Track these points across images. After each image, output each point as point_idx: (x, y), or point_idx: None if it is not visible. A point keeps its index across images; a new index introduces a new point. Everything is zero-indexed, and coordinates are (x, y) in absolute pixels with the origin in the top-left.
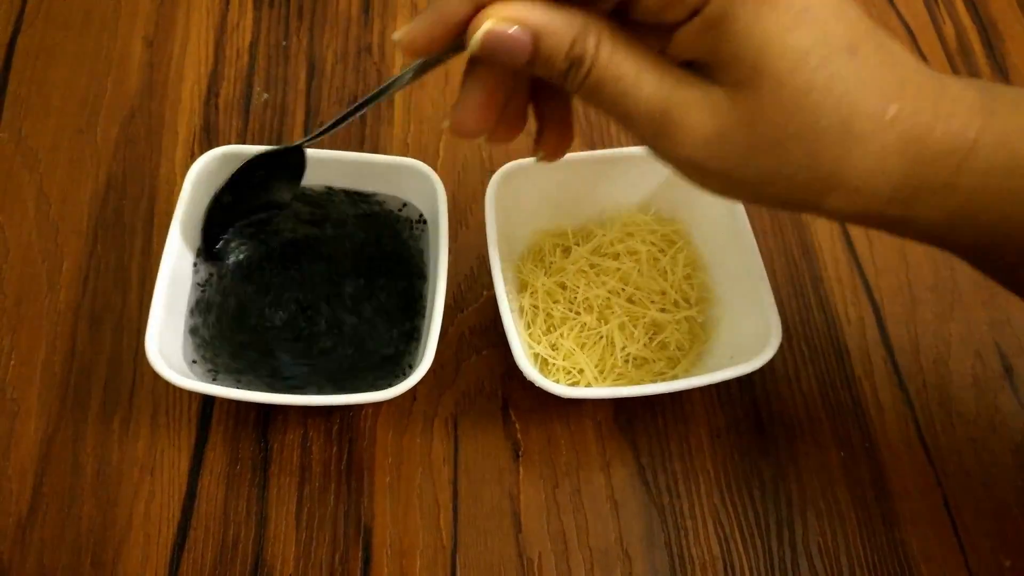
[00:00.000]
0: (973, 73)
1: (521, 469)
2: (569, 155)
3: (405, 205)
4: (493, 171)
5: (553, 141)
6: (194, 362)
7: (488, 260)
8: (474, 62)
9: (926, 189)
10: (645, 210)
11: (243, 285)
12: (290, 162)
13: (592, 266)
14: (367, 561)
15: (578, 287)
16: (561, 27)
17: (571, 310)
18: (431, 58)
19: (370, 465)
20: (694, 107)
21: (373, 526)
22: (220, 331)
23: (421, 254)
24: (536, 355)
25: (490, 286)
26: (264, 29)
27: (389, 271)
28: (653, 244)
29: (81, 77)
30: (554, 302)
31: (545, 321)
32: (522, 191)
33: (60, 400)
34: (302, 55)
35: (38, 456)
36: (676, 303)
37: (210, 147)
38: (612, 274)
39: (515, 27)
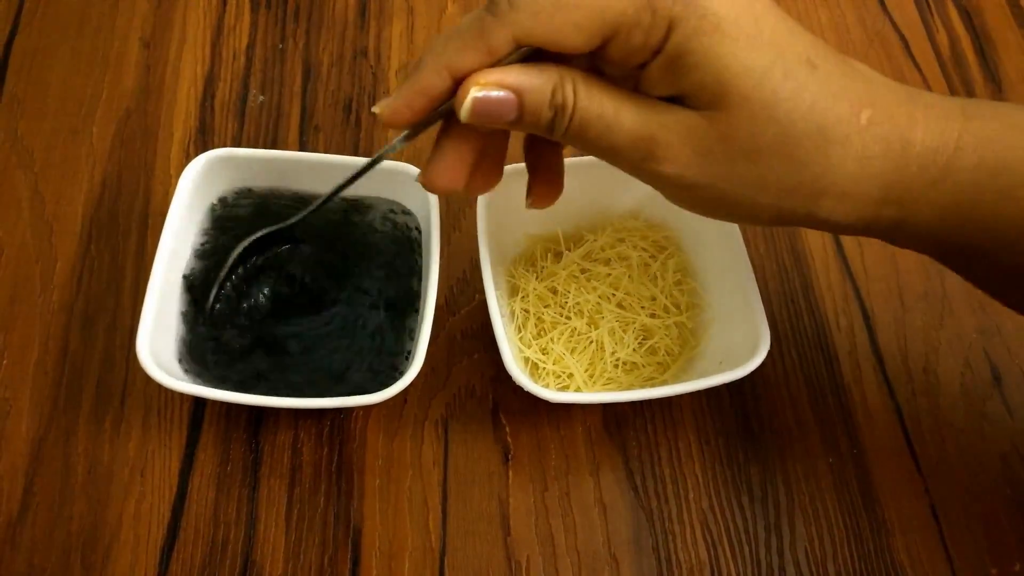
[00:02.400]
0: (966, 81)
1: (510, 472)
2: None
3: (399, 209)
4: None
5: (542, 190)
6: (185, 370)
7: (480, 264)
8: (449, 122)
9: (916, 188)
10: (636, 216)
11: (232, 285)
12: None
13: (583, 271)
14: (356, 562)
15: (569, 292)
16: (540, 82)
17: (562, 315)
18: (417, 126)
19: (360, 467)
20: (674, 130)
21: (362, 528)
22: (212, 332)
23: (414, 257)
24: (526, 359)
25: (482, 290)
26: (260, 31)
27: (381, 274)
28: (644, 250)
29: (77, 78)
30: (545, 306)
31: (536, 325)
32: (514, 196)
33: (52, 400)
34: (298, 58)
35: (29, 456)
36: (666, 309)
37: (205, 149)
38: (603, 279)
39: (500, 90)
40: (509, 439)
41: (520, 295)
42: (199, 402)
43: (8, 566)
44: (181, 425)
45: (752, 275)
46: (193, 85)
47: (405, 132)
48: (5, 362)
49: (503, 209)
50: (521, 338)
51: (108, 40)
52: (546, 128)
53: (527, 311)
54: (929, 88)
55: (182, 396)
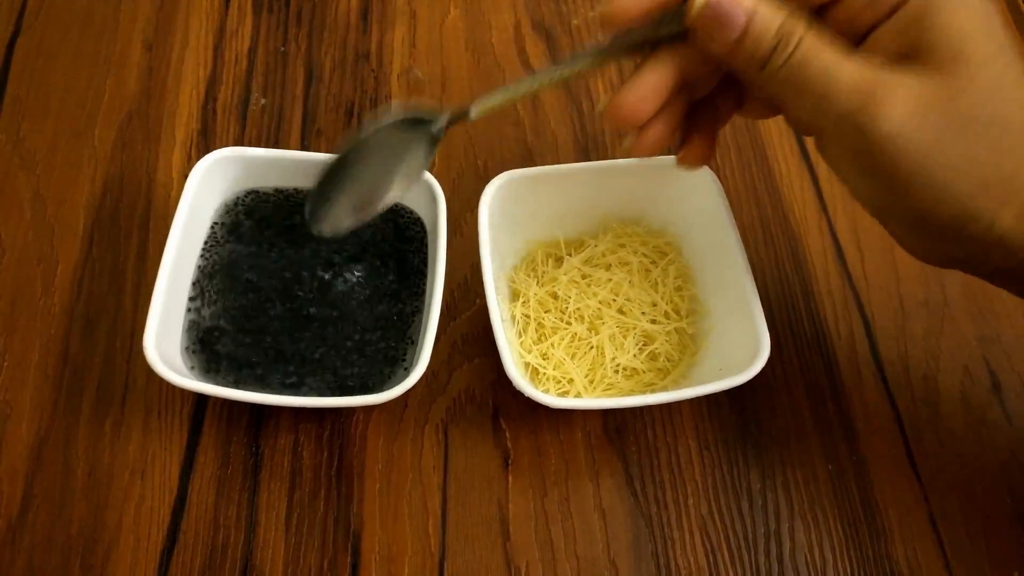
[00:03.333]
0: None
1: (510, 477)
2: (563, 166)
3: (404, 212)
4: (488, 180)
5: (697, 149)
6: (191, 368)
7: (481, 268)
8: (655, 52)
9: None
10: (637, 221)
11: (239, 285)
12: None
13: (584, 276)
14: (355, 567)
15: (569, 297)
16: (773, 9)
17: (562, 320)
18: (625, 40)
19: (360, 471)
20: (897, 85)
21: (362, 532)
22: (215, 330)
23: (417, 261)
24: (527, 364)
25: (483, 294)
26: (263, 34)
27: (385, 276)
28: (644, 255)
29: (80, 79)
30: (545, 311)
31: (536, 330)
32: (516, 201)
33: (52, 402)
34: (300, 61)
35: (29, 458)
36: (666, 314)
37: (207, 151)
38: (603, 285)
39: (733, 2)
40: (509, 444)
41: (521, 300)
42: (199, 405)
43: (7, 568)
44: (181, 428)
45: (752, 281)
46: (195, 88)
47: (605, 44)
48: (6, 364)
49: (505, 214)
50: (522, 343)
51: (111, 42)
52: (763, 57)
53: (528, 316)
54: None
55: (182, 398)
